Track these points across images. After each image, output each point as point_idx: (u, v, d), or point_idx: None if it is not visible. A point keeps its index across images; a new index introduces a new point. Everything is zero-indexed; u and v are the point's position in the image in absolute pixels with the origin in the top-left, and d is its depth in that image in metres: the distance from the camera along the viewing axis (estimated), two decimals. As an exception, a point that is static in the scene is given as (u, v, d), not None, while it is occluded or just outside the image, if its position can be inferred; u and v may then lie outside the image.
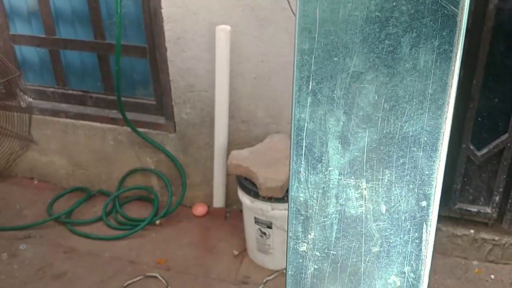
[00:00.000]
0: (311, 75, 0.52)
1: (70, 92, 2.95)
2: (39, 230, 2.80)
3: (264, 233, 2.46)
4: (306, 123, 0.54)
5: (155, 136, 2.81)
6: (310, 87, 0.52)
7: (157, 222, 2.83)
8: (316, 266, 0.59)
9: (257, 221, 2.45)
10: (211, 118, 2.67)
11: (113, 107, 2.84)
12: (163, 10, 2.45)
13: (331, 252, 0.58)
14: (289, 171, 0.57)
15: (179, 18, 2.45)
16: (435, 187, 0.52)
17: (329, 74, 0.51)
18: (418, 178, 0.52)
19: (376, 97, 0.51)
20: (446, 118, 0.50)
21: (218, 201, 2.86)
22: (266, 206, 2.36)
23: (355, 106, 0.52)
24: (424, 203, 0.53)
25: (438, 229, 2.58)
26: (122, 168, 2.97)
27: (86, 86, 2.95)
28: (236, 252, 2.64)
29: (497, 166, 2.42)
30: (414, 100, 0.50)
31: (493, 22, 2.14)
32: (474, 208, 2.54)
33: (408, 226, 0.54)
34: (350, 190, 0.55)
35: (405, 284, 0.57)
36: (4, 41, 2.87)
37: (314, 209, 0.57)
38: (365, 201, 0.55)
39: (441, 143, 0.51)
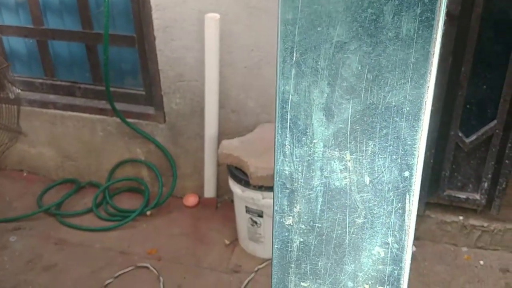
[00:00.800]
0: (295, 46, 0.52)
1: (59, 83, 2.93)
2: (29, 222, 2.79)
3: (255, 222, 2.46)
4: (290, 96, 0.54)
5: (145, 126, 2.79)
6: (294, 59, 0.52)
7: (148, 213, 2.82)
8: (301, 239, 0.59)
9: (248, 210, 2.45)
10: (201, 108, 2.66)
11: (102, 97, 2.83)
12: (151, -1, 2.44)
13: (316, 224, 0.58)
14: (274, 144, 0.57)
15: (168, 6, 2.44)
16: (418, 157, 0.53)
17: (312, 45, 0.51)
18: (400, 148, 0.52)
19: (360, 67, 0.51)
20: (428, 87, 0.50)
21: (209, 191, 2.86)
22: (257, 195, 2.36)
23: (338, 77, 0.52)
24: (407, 173, 0.53)
25: (427, 216, 2.60)
26: (111, 159, 2.96)
27: (75, 76, 2.93)
28: (227, 242, 2.64)
29: (486, 152, 2.44)
30: (397, 69, 0.50)
31: (481, 9, 2.15)
32: (463, 195, 2.55)
33: (392, 197, 0.55)
34: (334, 162, 0.55)
35: (389, 255, 0.57)
36: (-9, 32, 2.85)
37: (299, 182, 0.57)
38: (349, 172, 0.55)
39: (423, 113, 0.51)
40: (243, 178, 2.37)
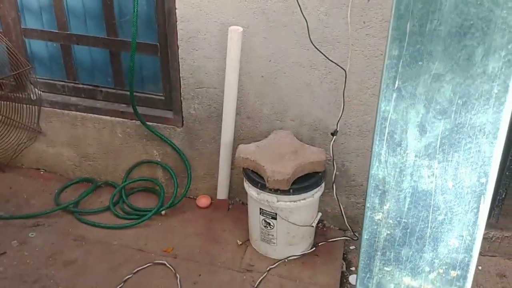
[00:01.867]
0: (398, 76, 0.65)
1: (80, 86, 3.01)
2: (48, 219, 2.87)
3: (269, 224, 2.59)
4: (390, 114, 0.67)
5: (163, 130, 2.91)
6: (396, 85, 0.66)
7: (163, 212, 2.93)
8: (388, 232, 0.73)
9: (262, 212, 2.57)
10: (217, 114, 2.78)
11: (123, 101, 2.93)
12: (177, 11, 2.55)
13: (403, 220, 0.71)
14: (371, 153, 0.70)
15: (192, 18, 2.56)
16: (493, 166, 0.66)
17: (413, 75, 0.65)
18: (480, 159, 0.66)
19: (452, 94, 0.64)
20: (506, 112, 0.64)
21: (222, 193, 2.98)
22: (272, 198, 2.48)
23: (433, 101, 0.65)
24: (483, 180, 0.67)
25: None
26: (129, 160, 3.06)
27: (96, 81, 3.03)
28: (239, 242, 2.76)
29: (487, 164, 2.59)
30: (482, 97, 0.64)
31: None
32: (464, 203, 2.71)
33: (469, 199, 0.68)
34: (423, 169, 0.69)
35: (462, 245, 0.70)
36: (16, 35, 2.93)
37: (391, 185, 0.70)
38: (435, 178, 0.68)
39: (500, 132, 0.65)
40: (259, 181, 2.49)
